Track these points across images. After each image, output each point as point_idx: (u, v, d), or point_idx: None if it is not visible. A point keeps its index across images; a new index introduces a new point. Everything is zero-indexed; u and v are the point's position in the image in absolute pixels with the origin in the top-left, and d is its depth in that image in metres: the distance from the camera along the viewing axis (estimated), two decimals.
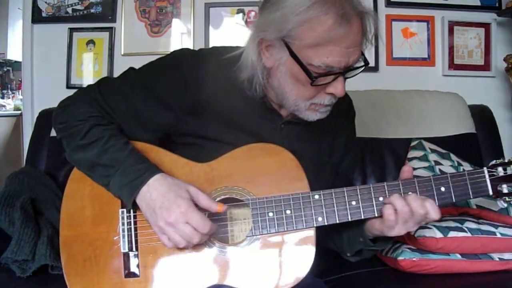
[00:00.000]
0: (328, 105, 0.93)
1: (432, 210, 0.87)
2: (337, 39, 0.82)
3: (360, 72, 0.90)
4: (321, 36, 0.82)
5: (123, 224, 0.93)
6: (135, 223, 0.94)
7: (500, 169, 0.91)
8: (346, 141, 1.11)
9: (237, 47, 0.97)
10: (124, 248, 0.92)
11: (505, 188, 0.90)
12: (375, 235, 0.96)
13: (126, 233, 0.93)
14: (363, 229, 0.96)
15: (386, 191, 0.91)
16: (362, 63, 0.89)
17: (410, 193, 0.89)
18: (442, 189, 0.91)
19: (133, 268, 0.92)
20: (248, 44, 0.93)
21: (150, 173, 0.89)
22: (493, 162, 0.92)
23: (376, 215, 0.90)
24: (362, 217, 0.90)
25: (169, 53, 1.03)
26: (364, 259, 1.06)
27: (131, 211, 0.94)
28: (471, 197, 0.92)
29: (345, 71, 0.87)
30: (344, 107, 1.12)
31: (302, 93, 0.90)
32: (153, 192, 0.87)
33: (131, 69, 1.04)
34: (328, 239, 1.09)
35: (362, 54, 0.89)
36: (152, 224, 0.89)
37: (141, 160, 0.92)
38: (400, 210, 0.87)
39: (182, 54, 1.02)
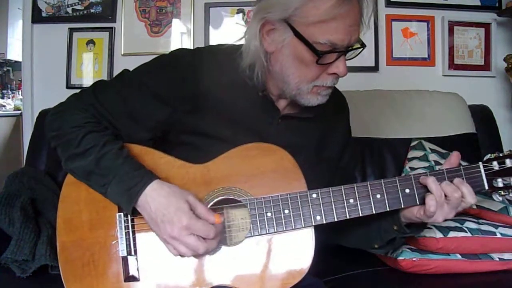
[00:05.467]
0: (329, 87, 0.94)
1: (468, 193, 0.87)
2: (340, 16, 0.84)
3: (359, 53, 0.91)
4: (326, 13, 0.84)
5: (120, 228, 0.92)
6: (132, 226, 0.93)
7: (495, 163, 0.91)
8: (342, 137, 1.12)
9: (236, 45, 0.98)
10: (123, 252, 0.91)
11: (500, 182, 0.90)
12: (412, 222, 0.96)
13: (124, 237, 0.92)
14: (399, 216, 0.96)
15: (383, 188, 0.91)
16: (360, 44, 0.91)
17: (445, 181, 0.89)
18: None
19: (133, 271, 0.91)
20: (250, 29, 0.94)
21: (145, 180, 0.88)
22: (488, 156, 0.92)
23: (418, 203, 0.90)
24: (360, 215, 0.91)
25: (166, 52, 1.03)
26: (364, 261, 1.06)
27: (129, 215, 0.92)
28: None
29: (347, 51, 0.89)
30: (338, 104, 1.13)
31: (305, 74, 0.91)
32: (152, 203, 0.86)
33: (126, 70, 1.03)
34: (338, 238, 1.09)
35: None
36: (158, 235, 0.89)
37: (136, 167, 0.90)
38: (434, 194, 0.87)
39: (180, 51, 1.03)
